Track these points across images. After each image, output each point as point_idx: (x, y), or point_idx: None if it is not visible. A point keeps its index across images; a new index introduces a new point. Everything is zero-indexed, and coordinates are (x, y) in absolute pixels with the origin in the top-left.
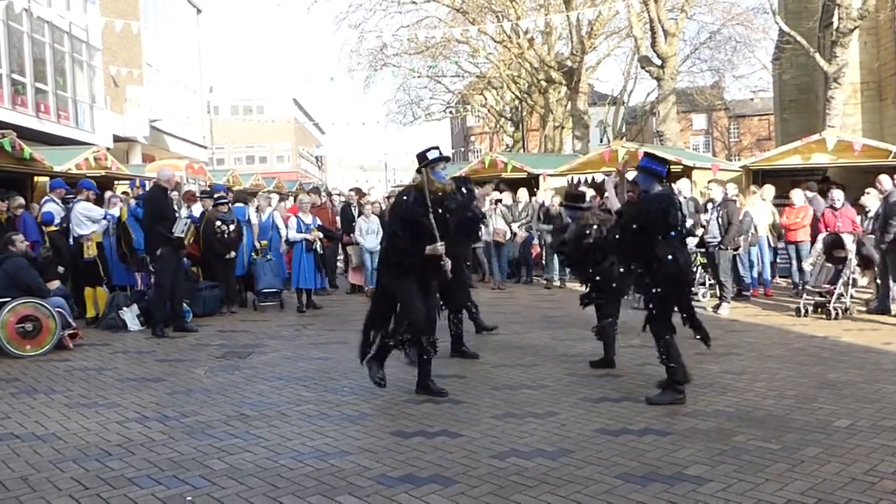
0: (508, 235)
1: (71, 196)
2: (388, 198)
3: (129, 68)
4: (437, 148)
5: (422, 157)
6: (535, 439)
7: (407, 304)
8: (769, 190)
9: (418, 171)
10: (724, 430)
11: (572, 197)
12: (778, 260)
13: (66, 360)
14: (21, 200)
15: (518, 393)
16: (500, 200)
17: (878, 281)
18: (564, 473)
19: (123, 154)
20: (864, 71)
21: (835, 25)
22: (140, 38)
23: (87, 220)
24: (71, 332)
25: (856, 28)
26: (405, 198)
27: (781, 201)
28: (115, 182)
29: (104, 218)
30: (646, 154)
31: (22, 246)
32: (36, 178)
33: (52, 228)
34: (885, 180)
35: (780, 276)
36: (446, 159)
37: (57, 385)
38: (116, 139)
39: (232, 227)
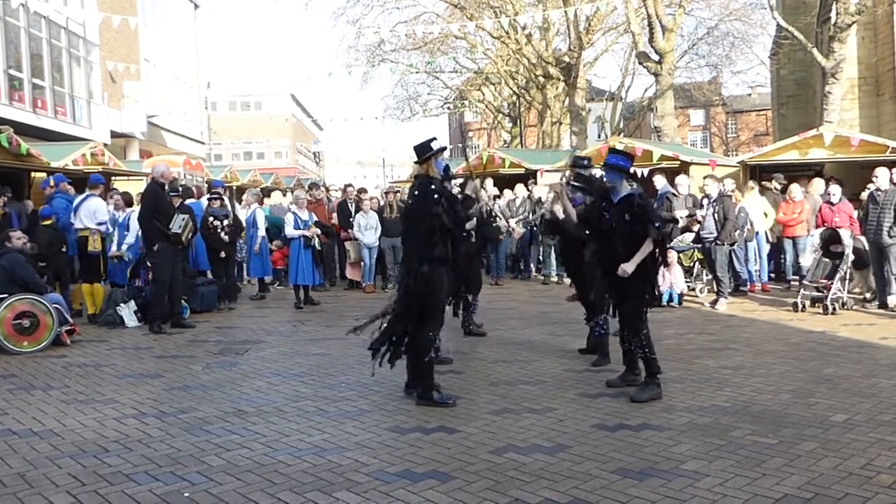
0: (506, 231)
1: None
2: (388, 193)
3: (126, 64)
4: (436, 139)
5: (425, 147)
6: (532, 435)
7: (438, 301)
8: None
9: (419, 162)
10: (721, 425)
11: (583, 178)
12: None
13: (64, 357)
14: None
15: (515, 388)
16: (497, 196)
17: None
18: (562, 469)
19: (121, 150)
20: (862, 66)
21: (832, 21)
22: (137, 33)
23: (93, 219)
24: (68, 328)
25: (853, 23)
26: (433, 187)
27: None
28: (112, 178)
29: (101, 224)
30: (611, 150)
31: (18, 242)
32: (33, 174)
33: (47, 222)
34: (881, 173)
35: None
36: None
37: (54, 381)
38: (114, 135)
39: (226, 223)
